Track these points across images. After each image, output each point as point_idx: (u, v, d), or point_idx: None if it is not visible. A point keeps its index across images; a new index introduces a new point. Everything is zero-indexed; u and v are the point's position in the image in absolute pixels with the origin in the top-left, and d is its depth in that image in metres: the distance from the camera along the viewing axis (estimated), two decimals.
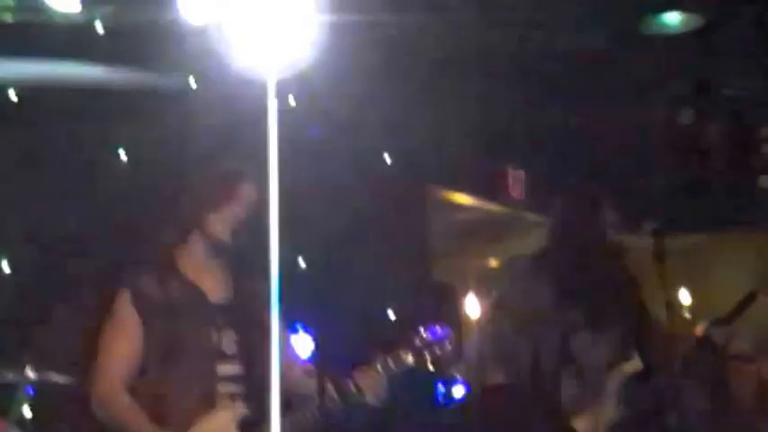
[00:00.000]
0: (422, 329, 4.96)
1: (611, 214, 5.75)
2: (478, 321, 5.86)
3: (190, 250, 4.89)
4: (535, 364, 5.51)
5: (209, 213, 4.86)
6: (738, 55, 9.80)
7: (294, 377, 4.91)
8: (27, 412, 6.69)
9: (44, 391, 6.42)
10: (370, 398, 4.79)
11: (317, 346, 6.09)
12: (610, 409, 5.57)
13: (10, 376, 6.20)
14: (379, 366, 4.83)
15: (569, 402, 5.52)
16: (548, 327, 5.56)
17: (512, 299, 5.68)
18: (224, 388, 4.79)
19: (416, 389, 6.75)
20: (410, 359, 4.90)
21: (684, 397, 6.15)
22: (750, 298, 5.93)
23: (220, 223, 4.85)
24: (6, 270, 7.23)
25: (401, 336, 4.89)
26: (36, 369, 6.20)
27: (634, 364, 5.70)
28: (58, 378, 6.20)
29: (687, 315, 11.37)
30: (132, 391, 4.79)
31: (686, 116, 10.24)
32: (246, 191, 4.91)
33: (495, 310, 5.74)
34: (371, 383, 4.79)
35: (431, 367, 5.02)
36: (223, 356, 4.81)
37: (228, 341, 4.83)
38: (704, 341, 6.34)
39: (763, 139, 10.39)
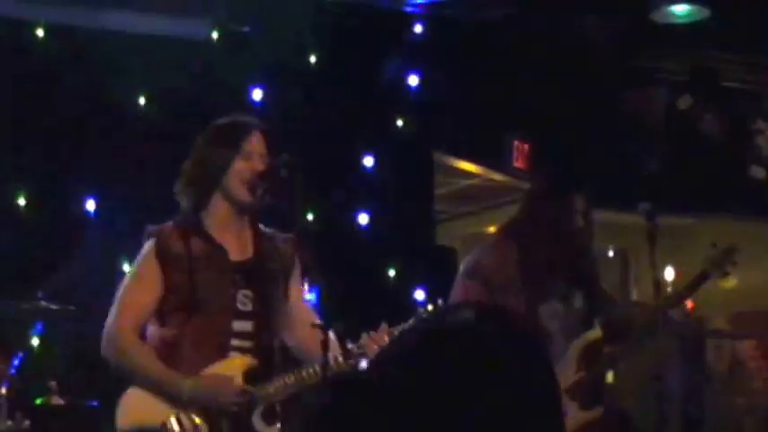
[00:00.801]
0: (429, 302, 5.00)
1: (580, 202, 5.89)
2: (453, 285, 5.91)
3: (213, 211, 4.88)
4: None
5: (224, 173, 4.83)
6: (737, 48, 9.91)
7: (305, 336, 4.91)
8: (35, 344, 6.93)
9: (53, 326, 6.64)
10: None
11: (321, 304, 6.15)
12: (570, 373, 5.70)
13: (24, 307, 6.40)
14: (385, 335, 4.80)
15: None
16: (517, 295, 5.67)
17: (484, 267, 5.80)
18: (236, 342, 4.81)
19: None
20: None
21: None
22: (702, 277, 6.07)
23: (236, 181, 4.82)
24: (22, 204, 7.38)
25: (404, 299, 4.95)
26: (48, 303, 6.41)
27: (595, 333, 5.88)
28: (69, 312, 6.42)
29: (670, 290, 11.55)
30: (149, 337, 4.86)
31: (684, 103, 10.29)
32: (254, 143, 4.88)
33: (466, 278, 5.84)
34: (376, 349, 4.72)
35: None
36: (238, 313, 4.83)
37: (245, 299, 4.86)
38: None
39: (756, 131, 10.47)
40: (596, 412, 5.81)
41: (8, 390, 6.22)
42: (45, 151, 7.42)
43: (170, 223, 4.94)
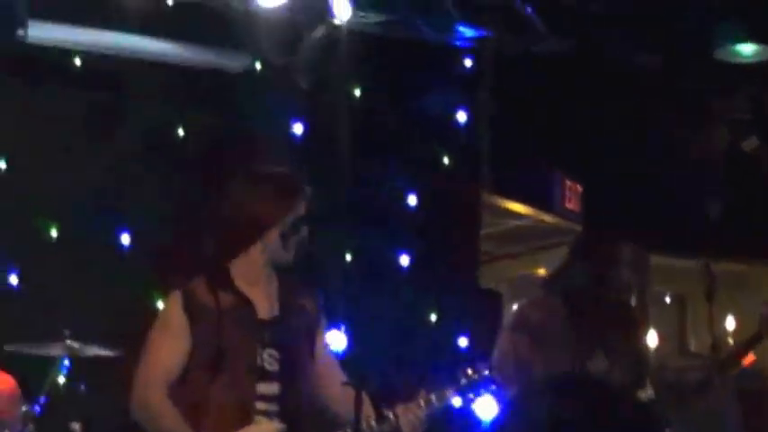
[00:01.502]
0: (469, 368, 4.87)
1: (628, 253, 5.71)
2: (498, 339, 5.78)
3: (247, 262, 4.76)
4: None
5: (271, 228, 4.74)
6: None
7: (335, 396, 4.81)
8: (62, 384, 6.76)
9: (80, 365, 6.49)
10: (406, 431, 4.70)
11: (356, 349, 6.00)
12: None
13: (50, 349, 6.28)
14: (422, 402, 4.71)
15: None
16: (564, 351, 5.50)
17: (532, 322, 5.62)
18: (261, 405, 4.68)
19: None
20: (453, 397, 4.83)
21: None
22: (756, 339, 5.87)
23: (277, 236, 4.74)
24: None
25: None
26: (75, 343, 6.29)
27: (646, 393, 5.67)
28: (96, 352, 6.30)
29: (731, 342, 11.28)
30: (173, 397, 4.69)
31: (749, 145, 10.08)
32: (302, 202, 4.82)
33: (511, 330, 5.67)
34: (411, 419, 4.66)
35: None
36: (264, 374, 4.70)
37: (271, 359, 4.73)
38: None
39: None
40: None
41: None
42: (79, 184, 7.28)
43: (196, 276, 4.79)
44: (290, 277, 4.89)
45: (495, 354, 5.54)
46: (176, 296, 4.73)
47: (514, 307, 5.96)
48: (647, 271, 5.80)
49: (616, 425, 2.36)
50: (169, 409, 4.62)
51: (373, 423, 4.62)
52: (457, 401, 4.87)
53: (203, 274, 4.79)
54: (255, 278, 4.77)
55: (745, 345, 5.80)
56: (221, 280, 4.74)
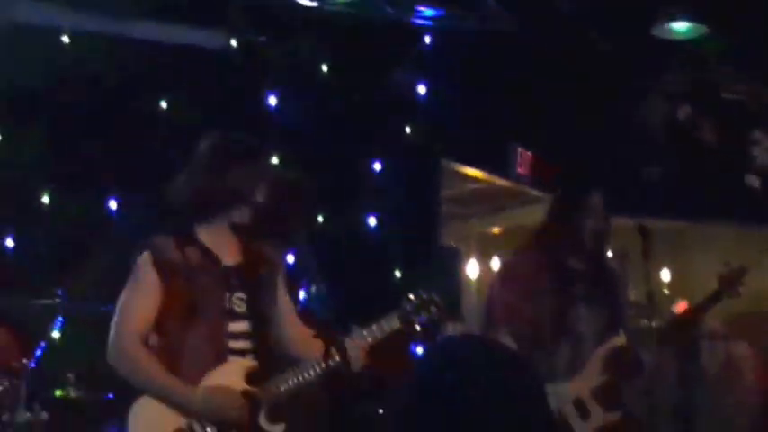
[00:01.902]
0: (412, 294, 4.90)
1: (598, 202, 5.83)
2: (488, 288, 5.88)
3: (210, 228, 4.79)
4: (536, 331, 5.58)
5: (238, 205, 4.74)
6: (735, 62, 9.79)
7: (294, 337, 4.92)
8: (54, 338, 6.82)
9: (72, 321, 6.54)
10: (353, 365, 4.70)
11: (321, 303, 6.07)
12: (595, 376, 5.61)
13: (44, 301, 6.32)
14: (364, 332, 4.77)
15: (563, 367, 5.60)
16: (549, 297, 5.64)
17: (520, 275, 5.73)
18: (234, 344, 4.72)
19: None
20: (397, 324, 4.86)
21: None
22: (715, 297, 5.99)
23: (244, 211, 4.75)
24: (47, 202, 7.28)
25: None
26: (68, 298, 6.34)
27: (620, 339, 5.77)
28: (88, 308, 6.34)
29: (666, 292, 11.45)
30: (148, 346, 4.71)
31: (684, 113, 10.19)
32: (264, 168, 4.85)
33: (501, 279, 5.77)
34: (355, 353, 4.69)
35: (418, 329, 4.98)
36: (234, 315, 4.74)
37: (239, 301, 4.76)
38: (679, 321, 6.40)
39: (752, 141, 10.36)
40: (617, 415, 5.71)
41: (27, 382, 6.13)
42: (70, 152, 7.31)
43: (162, 236, 4.80)
44: (252, 232, 4.89)
45: (486, 301, 5.68)
46: (146, 254, 4.74)
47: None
48: (609, 223, 5.96)
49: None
50: (145, 355, 4.65)
51: (337, 357, 4.61)
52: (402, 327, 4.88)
53: (168, 232, 4.81)
54: (216, 234, 4.79)
55: (705, 302, 5.91)
56: (187, 238, 4.78)
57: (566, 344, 5.64)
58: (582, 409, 5.58)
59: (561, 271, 5.71)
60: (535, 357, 5.48)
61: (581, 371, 5.63)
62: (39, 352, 6.28)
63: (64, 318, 6.47)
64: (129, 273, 4.78)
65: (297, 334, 4.91)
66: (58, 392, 6.40)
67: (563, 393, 5.52)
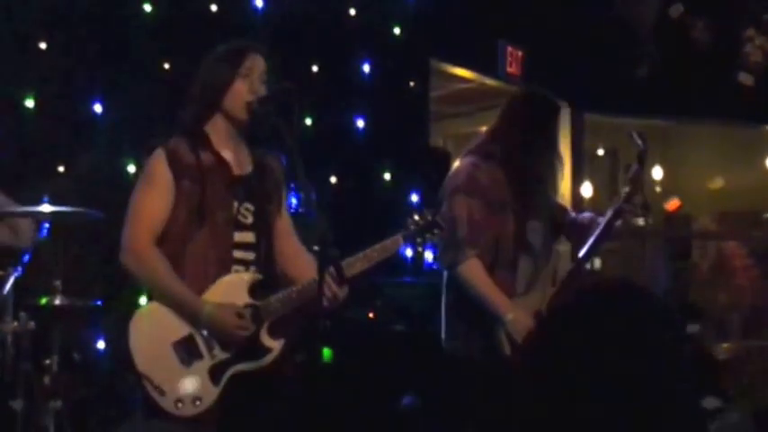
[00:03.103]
0: (416, 214, 4.86)
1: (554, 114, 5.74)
2: (447, 200, 5.73)
3: (213, 128, 4.75)
4: (498, 247, 5.51)
5: (224, 94, 4.72)
6: None
7: (288, 253, 4.88)
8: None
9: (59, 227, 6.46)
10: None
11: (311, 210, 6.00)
12: (549, 289, 5.54)
13: (31, 213, 6.23)
14: (362, 255, 4.70)
15: (524, 280, 5.53)
16: (509, 213, 5.54)
17: (482, 186, 5.55)
18: (238, 254, 4.70)
19: None
20: (400, 243, 4.83)
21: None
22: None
23: (235, 101, 4.73)
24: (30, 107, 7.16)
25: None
26: (54, 205, 6.25)
27: (561, 246, 5.89)
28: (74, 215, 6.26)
29: (658, 190, 11.45)
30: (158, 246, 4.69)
31: (675, 11, 10.10)
32: (252, 62, 4.75)
33: (467, 195, 5.56)
34: (354, 271, 4.65)
35: (420, 249, 4.98)
36: (240, 225, 4.72)
37: (246, 212, 4.75)
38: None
39: (746, 38, 10.28)
40: None
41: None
42: (52, 55, 7.18)
43: (175, 137, 4.75)
44: (256, 143, 4.88)
45: (451, 214, 5.50)
46: (160, 153, 4.69)
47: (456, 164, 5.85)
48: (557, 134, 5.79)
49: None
50: (156, 256, 4.63)
51: (335, 274, 4.57)
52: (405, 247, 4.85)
53: (183, 135, 4.76)
54: (225, 141, 4.77)
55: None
56: (200, 141, 4.74)
57: (525, 257, 5.56)
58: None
59: (517, 185, 5.57)
60: (500, 276, 5.45)
61: (536, 283, 5.57)
62: (25, 259, 6.22)
63: (50, 224, 6.40)
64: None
65: (290, 250, 4.89)
66: (44, 300, 6.33)
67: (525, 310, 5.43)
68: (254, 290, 4.68)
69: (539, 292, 5.52)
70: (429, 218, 4.82)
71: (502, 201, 5.52)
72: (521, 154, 5.57)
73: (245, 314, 4.62)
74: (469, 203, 5.51)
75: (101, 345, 6.60)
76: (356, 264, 4.69)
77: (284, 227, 4.91)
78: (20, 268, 6.17)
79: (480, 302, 5.40)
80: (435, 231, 4.83)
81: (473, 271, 5.42)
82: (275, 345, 4.69)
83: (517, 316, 5.33)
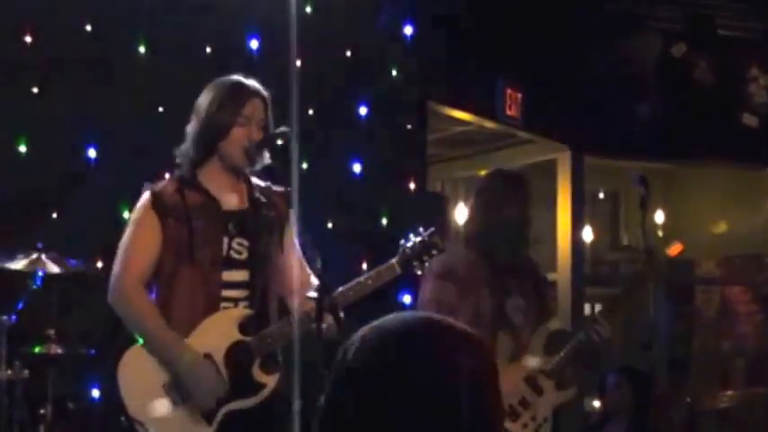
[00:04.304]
0: (412, 238, 4.86)
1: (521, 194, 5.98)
2: (421, 289, 5.94)
3: (208, 170, 4.85)
4: (475, 325, 5.61)
5: (221, 140, 4.80)
6: None
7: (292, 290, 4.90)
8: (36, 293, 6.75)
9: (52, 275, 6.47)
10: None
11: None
12: (538, 360, 5.86)
13: (24, 261, 6.25)
14: (356, 283, 4.76)
15: (504, 354, 5.76)
16: (485, 294, 5.81)
17: (455, 270, 5.83)
18: (229, 293, 4.76)
19: None
20: (397, 271, 4.84)
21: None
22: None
23: (232, 147, 4.79)
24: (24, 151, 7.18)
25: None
26: (48, 252, 6.27)
27: (554, 323, 6.17)
28: (68, 263, 6.29)
29: (660, 234, 11.47)
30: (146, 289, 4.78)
31: (678, 50, 10.14)
32: (251, 109, 4.83)
33: (438, 279, 5.80)
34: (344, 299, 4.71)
35: (419, 272, 5.00)
36: (232, 263, 4.78)
37: (240, 248, 4.81)
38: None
39: (750, 79, 10.31)
40: (571, 392, 6.01)
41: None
42: (46, 99, 7.21)
43: (165, 179, 4.90)
44: (260, 179, 4.95)
45: (421, 298, 5.84)
46: (146, 196, 4.83)
47: (432, 263, 5.90)
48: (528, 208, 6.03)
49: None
50: (142, 299, 4.72)
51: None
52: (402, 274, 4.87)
53: (172, 177, 4.90)
54: (220, 181, 4.86)
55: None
56: (189, 181, 4.84)
57: (504, 335, 5.82)
58: (534, 387, 5.82)
59: (493, 268, 5.87)
60: None
61: (522, 355, 5.87)
62: (18, 306, 6.24)
63: (44, 272, 6.42)
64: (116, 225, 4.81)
65: (295, 283, 4.91)
66: (38, 348, 6.35)
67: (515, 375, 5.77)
68: (246, 325, 4.71)
69: (528, 360, 5.85)
70: (425, 239, 4.84)
71: (477, 282, 5.81)
72: (489, 235, 5.89)
73: (223, 379, 4.66)
74: (441, 287, 5.78)
75: (96, 393, 6.60)
76: (350, 293, 4.73)
77: (288, 261, 4.95)
78: (14, 316, 6.20)
79: None
80: (433, 252, 4.84)
81: None
82: (269, 380, 4.74)
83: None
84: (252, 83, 4.97)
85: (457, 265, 5.81)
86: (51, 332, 6.34)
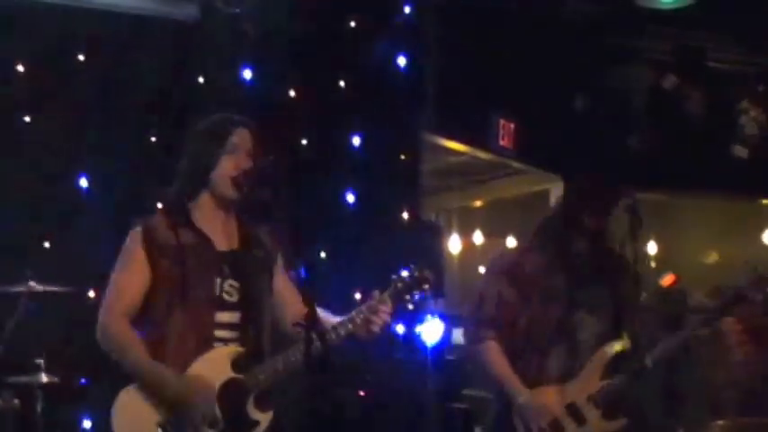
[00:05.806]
0: (404, 272, 4.78)
1: (612, 202, 5.56)
2: (484, 279, 5.66)
3: (199, 205, 4.74)
4: (531, 333, 5.43)
5: (210, 171, 4.71)
6: (724, 30, 9.74)
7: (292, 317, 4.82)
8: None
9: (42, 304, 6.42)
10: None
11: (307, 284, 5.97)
12: (595, 381, 5.37)
13: (13, 289, 6.21)
14: (347, 319, 4.65)
15: (557, 369, 5.37)
16: (552, 303, 5.40)
17: (528, 274, 5.44)
18: (221, 333, 4.65)
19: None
20: (388, 304, 4.75)
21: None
22: (737, 299, 5.85)
23: (221, 177, 4.73)
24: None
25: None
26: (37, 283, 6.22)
27: (622, 344, 5.49)
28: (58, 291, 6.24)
29: (653, 264, 11.41)
30: (135, 328, 4.64)
31: (668, 82, 10.13)
32: (239, 138, 4.74)
33: (510, 281, 5.47)
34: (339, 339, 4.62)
35: (410, 307, 4.89)
36: (224, 304, 4.67)
37: (231, 289, 4.70)
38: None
39: (740, 111, 10.30)
40: (618, 423, 5.44)
41: None
42: (37, 129, 7.18)
43: (157, 214, 4.78)
44: (249, 215, 4.86)
45: (480, 290, 5.50)
46: (137, 231, 4.70)
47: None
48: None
49: None
50: (128, 335, 4.60)
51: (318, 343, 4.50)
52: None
53: (165, 212, 4.79)
54: (211, 217, 4.75)
55: (725, 305, 5.76)
56: (181, 218, 4.73)
57: (560, 346, 5.38)
58: (576, 415, 5.37)
59: (570, 275, 5.41)
60: (528, 360, 5.38)
61: (578, 375, 5.40)
62: (8, 336, 6.20)
63: (34, 300, 6.38)
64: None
65: (295, 317, 4.70)
66: (28, 378, 6.29)
67: (553, 397, 5.34)
68: (239, 363, 4.64)
69: (580, 382, 5.38)
70: (416, 274, 4.74)
71: (545, 289, 5.40)
72: (566, 243, 5.46)
73: (214, 390, 4.55)
74: (504, 286, 5.45)
75: (87, 424, 6.54)
76: (342, 329, 4.66)
77: (279, 300, 4.84)
78: (3, 346, 6.15)
79: (494, 383, 5.43)
80: (425, 287, 4.75)
81: (487, 353, 5.42)
82: (263, 417, 4.65)
83: (529, 400, 5.30)
84: (239, 116, 4.92)
85: (528, 268, 5.43)
86: (40, 361, 6.28)
